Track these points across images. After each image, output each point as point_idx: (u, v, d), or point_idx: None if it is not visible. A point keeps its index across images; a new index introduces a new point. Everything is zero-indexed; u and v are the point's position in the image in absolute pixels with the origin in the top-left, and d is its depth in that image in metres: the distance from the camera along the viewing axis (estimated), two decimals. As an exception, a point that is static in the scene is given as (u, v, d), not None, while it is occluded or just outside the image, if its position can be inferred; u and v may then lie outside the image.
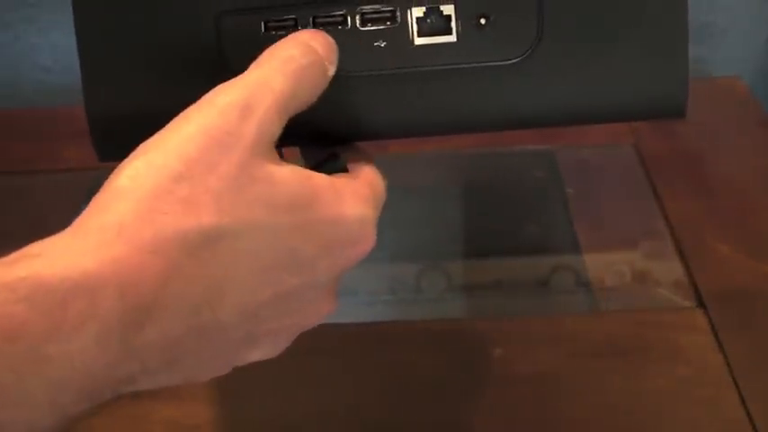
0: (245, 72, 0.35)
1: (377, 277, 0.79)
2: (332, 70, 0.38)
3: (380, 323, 0.65)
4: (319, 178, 0.36)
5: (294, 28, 0.38)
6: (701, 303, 0.61)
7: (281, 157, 0.39)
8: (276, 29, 0.38)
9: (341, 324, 0.62)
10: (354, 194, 0.36)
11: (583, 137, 0.78)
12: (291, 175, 0.35)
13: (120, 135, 0.34)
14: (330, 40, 0.38)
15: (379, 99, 0.39)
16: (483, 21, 0.38)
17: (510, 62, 0.39)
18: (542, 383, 0.56)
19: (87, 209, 0.32)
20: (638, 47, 0.39)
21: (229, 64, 0.39)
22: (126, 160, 0.33)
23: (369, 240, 0.37)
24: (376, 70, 0.39)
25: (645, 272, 0.67)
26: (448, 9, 0.38)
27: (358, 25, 0.39)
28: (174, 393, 0.56)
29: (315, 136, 0.39)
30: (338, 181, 0.37)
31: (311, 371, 0.58)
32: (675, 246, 0.67)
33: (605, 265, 0.68)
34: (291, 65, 0.36)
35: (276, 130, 0.35)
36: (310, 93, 0.37)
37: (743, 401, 0.54)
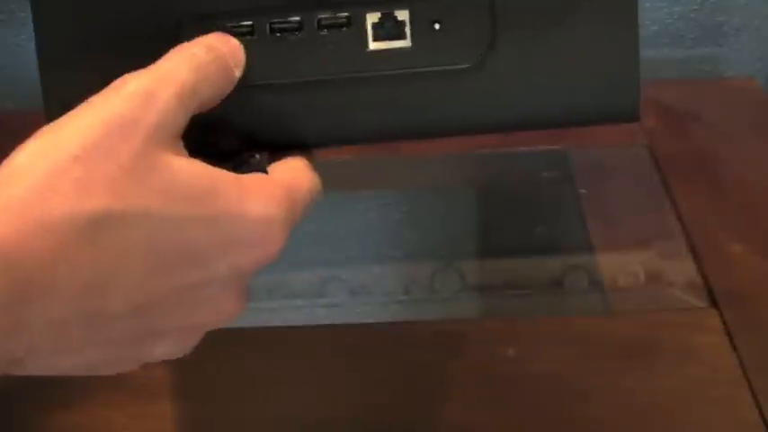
0: (153, 65, 0.35)
1: (391, 277, 0.79)
2: (238, 72, 0.38)
3: (394, 323, 0.65)
4: (222, 173, 0.35)
5: (250, 34, 0.39)
6: (714, 304, 0.61)
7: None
8: (233, 35, 0.39)
9: (354, 324, 0.62)
10: (263, 194, 0.36)
11: (595, 137, 0.78)
12: (191, 167, 0.34)
13: None
14: (236, 42, 0.38)
15: (335, 104, 0.39)
16: (437, 26, 0.39)
17: (464, 66, 0.39)
18: (555, 384, 0.56)
19: None
20: (588, 52, 0.39)
21: None
22: (26, 141, 0.33)
23: (274, 243, 0.36)
24: (332, 75, 0.39)
25: (658, 272, 0.67)
26: (402, 14, 0.39)
27: (314, 31, 0.39)
28: (189, 392, 0.56)
29: (273, 142, 0.39)
30: (247, 179, 0.36)
31: (324, 371, 0.58)
32: (688, 246, 0.67)
33: (618, 266, 0.68)
34: (194, 60, 0.36)
35: (179, 120, 0.35)
36: (212, 90, 0.37)
37: (756, 402, 0.54)
